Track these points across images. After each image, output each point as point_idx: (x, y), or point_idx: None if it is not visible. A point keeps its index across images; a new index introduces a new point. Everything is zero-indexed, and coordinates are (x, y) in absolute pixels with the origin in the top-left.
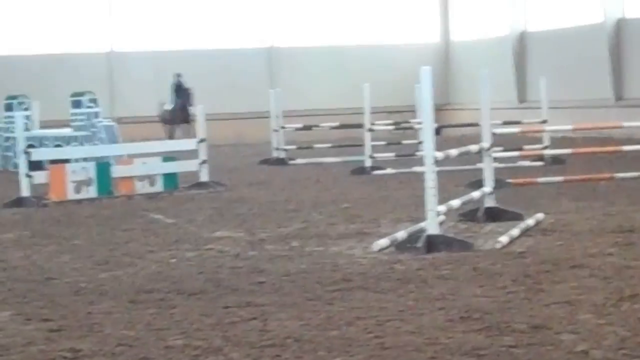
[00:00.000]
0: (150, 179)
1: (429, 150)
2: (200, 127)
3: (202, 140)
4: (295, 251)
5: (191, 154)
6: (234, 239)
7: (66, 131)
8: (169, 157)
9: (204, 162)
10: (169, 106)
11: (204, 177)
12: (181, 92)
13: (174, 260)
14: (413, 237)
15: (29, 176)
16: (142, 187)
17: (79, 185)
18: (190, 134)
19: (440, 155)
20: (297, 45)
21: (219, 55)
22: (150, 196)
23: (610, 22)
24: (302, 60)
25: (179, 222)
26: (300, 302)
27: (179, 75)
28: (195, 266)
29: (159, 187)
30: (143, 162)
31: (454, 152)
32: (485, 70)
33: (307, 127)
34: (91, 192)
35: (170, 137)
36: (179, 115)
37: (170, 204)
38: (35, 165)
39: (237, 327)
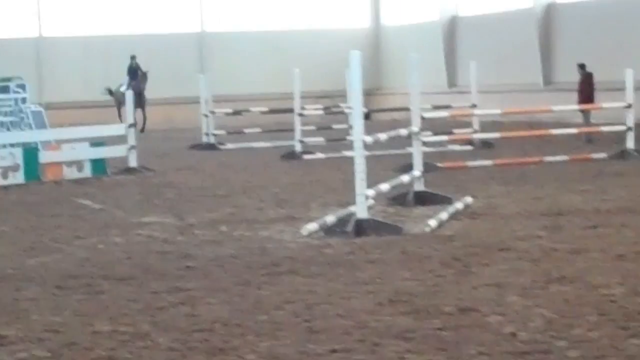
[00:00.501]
0: (78, 164)
1: (358, 135)
2: (129, 112)
3: (131, 126)
4: (224, 236)
5: (121, 139)
6: (162, 224)
7: None
8: (97, 142)
9: (132, 147)
10: (124, 88)
11: (133, 162)
12: (135, 75)
13: (101, 246)
14: (342, 222)
15: None
16: (70, 173)
17: (6, 171)
18: (143, 118)
19: (369, 139)
20: (227, 30)
21: (149, 40)
22: (79, 181)
23: (540, 7)
24: (232, 45)
25: (107, 207)
26: (228, 287)
27: (133, 58)
28: (123, 252)
29: (87, 172)
30: (71, 147)
31: (383, 136)
32: (415, 55)
33: (237, 112)
34: (18, 177)
35: (122, 119)
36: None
37: (98, 189)
38: None
39: (165, 312)
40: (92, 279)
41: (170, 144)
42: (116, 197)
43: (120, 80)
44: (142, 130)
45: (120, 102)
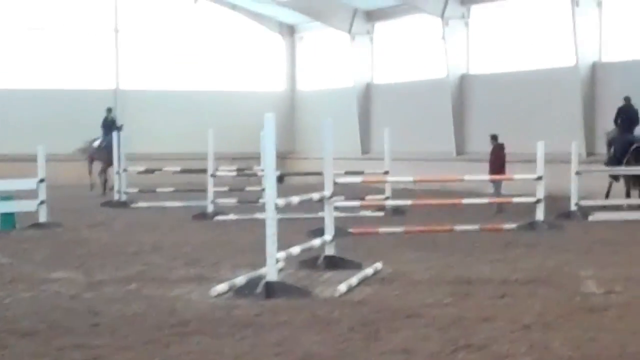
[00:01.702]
0: None
1: (270, 197)
2: (40, 167)
3: (41, 180)
4: (132, 294)
5: (31, 194)
6: (71, 280)
7: None
8: (6, 196)
9: (42, 202)
10: (97, 143)
11: (43, 217)
12: (110, 129)
13: (8, 300)
14: (252, 283)
15: None
16: None
17: None
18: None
19: (281, 202)
20: (142, 87)
21: (64, 95)
22: None
23: (453, 77)
24: (147, 103)
25: (15, 262)
26: (136, 345)
27: (109, 111)
28: (29, 306)
29: None
30: None
31: (295, 199)
32: (329, 120)
33: (149, 171)
34: None
35: (92, 175)
36: (104, 154)
37: (6, 243)
38: None
39: None
40: None
41: (80, 201)
42: (25, 251)
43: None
44: (110, 189)
45: (92, 157)
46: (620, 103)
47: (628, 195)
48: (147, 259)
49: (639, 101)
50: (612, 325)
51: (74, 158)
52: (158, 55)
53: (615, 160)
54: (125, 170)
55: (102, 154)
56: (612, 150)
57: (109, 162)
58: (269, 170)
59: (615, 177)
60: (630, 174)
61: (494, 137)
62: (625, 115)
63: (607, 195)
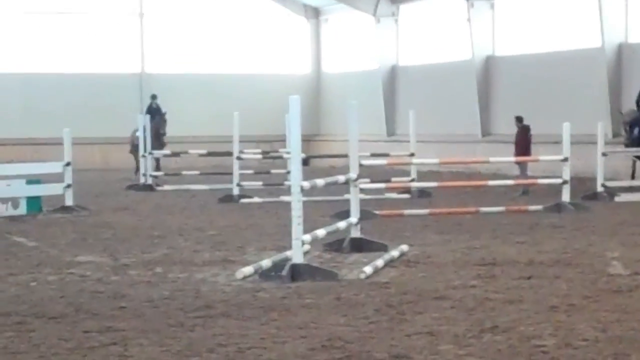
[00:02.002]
0: (14, 201)
1: (296, 180)
2: (66, 150)
3: (67, 164)
4: (158, 277)
5: (57, 177)
6: (96, 263)
7: None
8: (33, 179)
9: (68, 186)
10: (140, 132)
11: (69, 201)
12: (154, 116)
13: (34, 284)
14: (278, 266)
15: None
16: (5, 210)
17: None
18: (160, 165)
19: (306, 185)
20: (168, 71)
21: (89, 79)
22: (13, 218)
23: (479, 59)
24: (172, 86)
25: (42, 245)
26: (161, 328)
27: (153, 97)
28: (56, 290)
29: (22, 209)
30: (7, 184)
31: (321, 182)
32: (354, 102)
33: (175, 154)
34: None
35: (138, 166)
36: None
37: (33, 227)
38: None
39: (97, 351)
40: (23, 317)
41: (106, 184)
42: (51, 235)
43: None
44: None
45: (135, 146)
46: None
47: None
48: (172, 242)
49: None
50: (638, 306)
51: (99, 141)
52: (183, 39)
53: (638, 141)
54: (151, 153)
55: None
56: (636, 131)
57: (156, 148)
58: (294, 152)
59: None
60: None
61: (519, 119)
62: None
63: (632, 176)
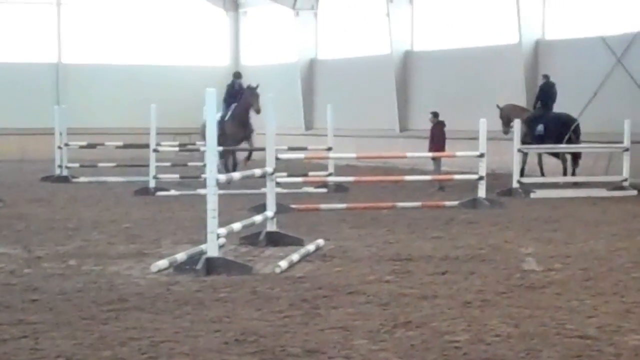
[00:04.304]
0: None
1: (211, 173)
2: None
3: None
4: (71, 270)
5: None
6: (9, 255)
7: None
8: None
9: None
10: (219, 116)
11: None
12: (234, 98)
13: None
14: (193, 259)
15: None
16: None
17: None
18: (249, 157)
19: (222, 178)
20: (85, 62)
21: (5, 68)
22: None
23: (397, 54)
24: (90, 77)
25: None
26: (74, 321)
27: (237, 76)
28: None
29: None
30: None
31: (237, 175)
32: (271, 95)
33: (91, 146)
34: None
35: (226, 161)
36: (235, 130)
37: None
38: None
39: (7, 344)
40: None
41: (21, 175)
42: None
43: None
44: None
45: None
46: (561, 82)
47: (565, 173)
48: (87, 235)
49: (584, 80)
50: (551, 302)
51: (16, 132)
52: (101, 29)
53: (553, 138)
54: (66, 144)
55: (232, 127)
56: (540, 127)
57: (243, 137)
58: (210, 145)
59: (556, 155)
60: (569, 152)
61: (434, 114)
62: (547, 93)
63: (541, 173)
